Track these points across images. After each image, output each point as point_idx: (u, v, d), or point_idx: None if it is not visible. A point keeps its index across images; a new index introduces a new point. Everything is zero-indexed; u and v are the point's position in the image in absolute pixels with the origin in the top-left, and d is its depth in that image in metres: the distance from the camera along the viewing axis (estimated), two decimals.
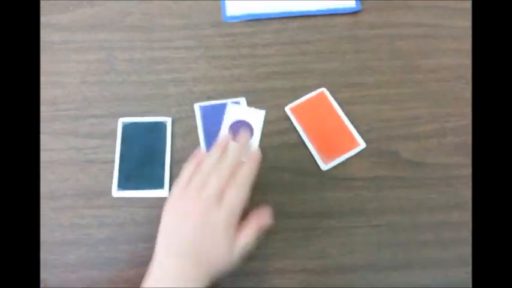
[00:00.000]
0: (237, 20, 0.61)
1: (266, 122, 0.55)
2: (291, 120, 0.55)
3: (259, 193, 0.51)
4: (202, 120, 0.54)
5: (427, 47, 0.60)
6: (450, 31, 0.61)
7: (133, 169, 0.51)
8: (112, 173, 0.52)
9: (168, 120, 0.54)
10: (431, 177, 0.53)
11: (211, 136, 0.53)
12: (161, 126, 0.54)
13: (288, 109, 0.56)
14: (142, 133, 0.53)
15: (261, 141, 0.54)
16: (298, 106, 0.56)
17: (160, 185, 0.51)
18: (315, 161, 0.53)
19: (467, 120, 0.55)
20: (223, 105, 0.55)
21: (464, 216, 0.51)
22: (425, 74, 0.58)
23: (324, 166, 0.53)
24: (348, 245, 0.50)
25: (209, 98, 0.56)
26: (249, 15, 0.61)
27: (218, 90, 0.57)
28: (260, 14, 0.61)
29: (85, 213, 0.51)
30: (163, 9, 0.61)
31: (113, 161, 0.52)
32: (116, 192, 0.50)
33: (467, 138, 0.54)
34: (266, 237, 0.49)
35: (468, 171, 0.53)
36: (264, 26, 0.60)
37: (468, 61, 0.59)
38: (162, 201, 0.49)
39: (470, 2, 0.60)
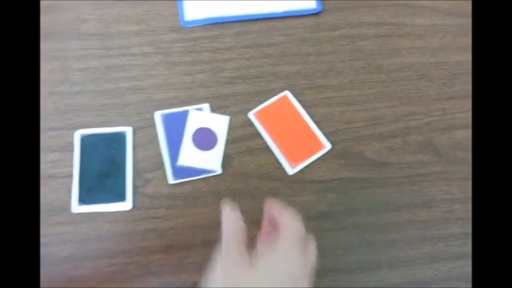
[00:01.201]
0: (196, 25, 0.62)
1: (230, 128, 0.57)
2: (255, 125, 0.57)
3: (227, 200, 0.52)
4: (164, 128, 0.55)
5: (389, 46, 0.63)
6: (413, 29, 0.64)
7: (94, 182, 0.52)
8: (70, 186, 0.53)
9: (128, 130, 0.55)
10: (396, 176, 0.56)
11: (173, 145, 0.55)
12: (121, 136, 0.55)
13: (252, 114, 0.57)
14: (102, 144, 0.54)
15: (226, 147, 0.56)
16: (262, 110, 0.58)
17: (122, 198, 0.52)
18: (281, 165, 0.55)
19: (430, 118, 0.59)
20: (185, 113, 0.56)
21: (430, 215, 0.54)
22: (388, 74, 0.61)
23: (291, 170, 0.55)
24: (317, 249, 0.52)
25: (171, 106, 0.58)
26: (208, 19, 0.62)
27: (180, 97, 0.58)
28: (220, 18, 0.63)
29: (44, 232, 0.51)
30: (119, 16, 0.62)
31: (70, 175, 0.53)
32: (77, 207, 0.51)
33: (431, 136, 0.58)
34: None
35: (432, 168, 0.56)
36: (224, 30, 0.62)
37: (432, 59, 0.62)
38: (124, 214, 0.50)
39: (431, 0, 0.64)
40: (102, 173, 0.53)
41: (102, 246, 0.51)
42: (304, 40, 0.63)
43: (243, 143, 0.56)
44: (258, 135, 0.57)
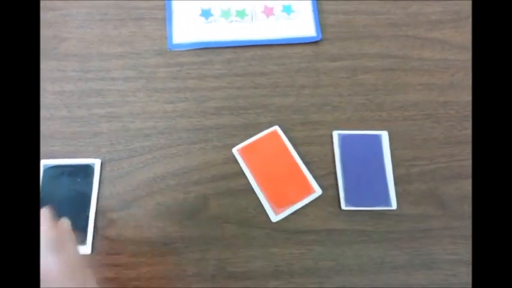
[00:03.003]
0: (185, 49, 0.54)
1: (210, 165, 0.48)
2: (239, 163, 0.48)
3: (197, 249, 0.44)
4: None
5: (393, 82, 0.54)
6: (421, 63, 0.56)
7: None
8: None
9: (96, 163, 0.47)
10: (394, 230, 0.46)
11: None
12: (88, 169, 0.46)
13: (235, 150, 0.49)
14: (66, 177, 0.46)
15: (204, 186, 0.47)
16: (247, 146, 0.49)
17: (82, 240, 0.43)
18: (264, 210, 0.47)
19: (435, 165, 0.49)
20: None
21: (430, 278, 0.44)
22: (390, 112, 0.52)
23: (275, 217, 0.46)
24: None
25: (146, 136, 0.49)
26: (197, 43, 0.55)
27: (158, 127, 0.50)
28: (210, 42, 0.55)
29: None
30: (102, 36, 0.55)
31: None
32: None
33: (436, 186, 0.48)
34: None
35: (436, 223, 0.47)
36: (214, 56, 0.54)
37: (440, 97, 0.53)
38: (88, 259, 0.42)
39: (443, 32, 0.55)
40: (63, 211, 0.44)
41: None
42: (300, 70, 0.54)
43: (223, 183, 0.48)
44: (241, 174, 0.48)
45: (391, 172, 0.49)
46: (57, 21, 0.55)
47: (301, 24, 0.57)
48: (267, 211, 0.47)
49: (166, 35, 0.55)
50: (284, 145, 0.50)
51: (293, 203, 0.47)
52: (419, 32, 0.57)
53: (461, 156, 0.50)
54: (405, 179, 0.49)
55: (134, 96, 0.52)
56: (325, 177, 0.49)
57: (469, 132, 0.52)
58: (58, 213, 0.42)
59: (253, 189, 0.48)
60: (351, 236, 0.46)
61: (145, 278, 0.44)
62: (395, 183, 0.48)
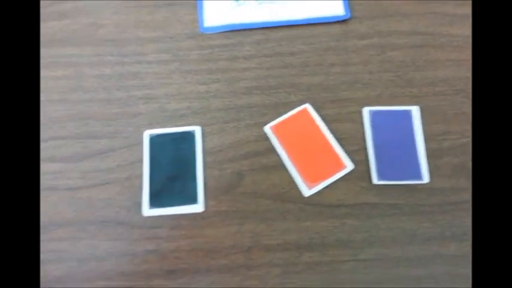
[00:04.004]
0: (216, 32, 0.54)
1: (243, 143, 0.48)
2: (271, 140, 0.48)
3: (235, 222, 0.44)
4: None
5: (422, 58, 0.53)
6: (449, 40, 0.54)
7: (164, 185, 0.46)
8: (72, 199, 0.46)
9: (196, 129, 0.49)
10: (425, 203, 0.46)
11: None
12: (189, 135, 0.49)
13: (268, 128, 0.49)
14: (170, 143, 0.48)
15: (239, 163, 0.47)
16: (279, 124, 0.49)
17: (194, 199, 0.46)
18: (296, 185, 0.46)
19: (466, 139, 0.48)
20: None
21: (462, 249, 0.43)
22: (420, 88, 0.51)
23: (307, 191, 0.46)
24: (333, 282, 0.43)
25: (182, 116, 0.50)
26: (228, 25, 0.54)
27: (192, 108, 0.50)
28: (240, 25, 0.54)
29: (42, 248, 0.44)
30: (137, 21, 0.55)
31: (73, 188, 0.46)
32: (147, 211, 0.45)
33: (467, 160, 0.47)
34: (239, 273, 0.42)
35: (467, 196, 0.46)
36: (244, 38, 0.54)
37: (469, 73, 0.51)
38: (125, 233, 0.43)
39: (471, 7, 0.53)
40: (171, 172, 0.46)
41: (100, 267, 0.44)
42: (329, 49, 0.53)
43: (257, 159, 0.48)
44: (273, 151, 0.48)
45: (423, 146, 0.48)
46: (94, 9, 0.56)
47: (330, 3, 0.56)
48: (300, 186, 0.47)
49: (197, 19, 0.55)
50: (315, 122, 0.50)
51: (325, 178, 0.47)
52: (448, 8, 0.56)
53: None
54: (436, 153, 0.48)
55: (169, 78, 0.52)
56: (356, 153, 0.48)
57: None
58: (168, 174, 0.45)
59: (285, 165, 0.48)
60: (383, 210, 0.46)
61: (185, 250, 0.44)
62: (427, 157, 0.47)
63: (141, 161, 0.48)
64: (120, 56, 0.53)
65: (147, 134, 0.49)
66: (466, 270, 0.43)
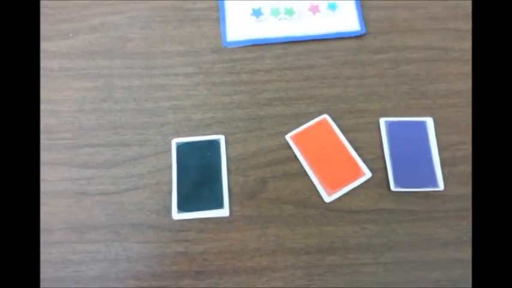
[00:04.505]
0: (238, 46, 0.57)
1: (266, 151, 0.51)
2: (292, 149, 0.51)
3: (258, 227, 0.47)
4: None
5: (436, 71, 0.55)
6: (461, 54, 0.57)
7: (191, 191, 0.49)
8: (105, 204, 0.48)
9: (221, 138, 0.52)
10: (442, 209, 0.48)
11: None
12: (215, 143, 0.51)
13: (288, 137, 0.51)
14: (197, 151, 0.51)
15: (262, 170, 0.50)
16: (299, 134, 0.52)
17: (220, 204, 0.48)
18: (317, 192, 0.49)
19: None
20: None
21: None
22: (434, 100, 0.53)
23: (328, 198, 0.48)
24: (354, 284, 0.45)
25: (207, 126, 0.52)
26: (249, 40, 0.57)
27: (217, 118, 0.53)
28: (261, 39, 0.57)
29: (77, 249, 0.47)
30: (164, 36, 0.58)
31: (106, 193, 0.49)
32: (176, 215, 0.48)
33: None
34: (264, 275, 0.44)
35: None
36: (265, 52, 0.57)
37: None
38: (155, 236, 0.45)
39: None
40: (199, 179, 0.49)
41: (132, 268, 0.46)
42: (346, 63, 0.56)
43: (279, 167, 0.50)
44: (294, 159, 0.51)
45: (437, 155, 0.50)
46: (122, 23, 0.59)
47: (346, 19, 0.59)
48: (320, 192, 0.49)
49: (220, 34, 0.58)
50: (333, 132, 0.52)
51: (344, 185, 0.49)
52: (459, 24, 0.59)
53: None
54: (451, 161, 0.50)
55: (195, 90, 0.55)
56: (374, 161, 0.50)
57: None
58: (195, 180, 0.48)
59: (306, 172, 0.50)
60: (400, 215, 0.48)
61: (212, 252, 0.47)
62: (442, 166, 0.50)
63: (169, 167, 0.50)
64: (148, 68, 0.56)
65: (174, 142, 0.51)
66: None
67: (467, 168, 0.50)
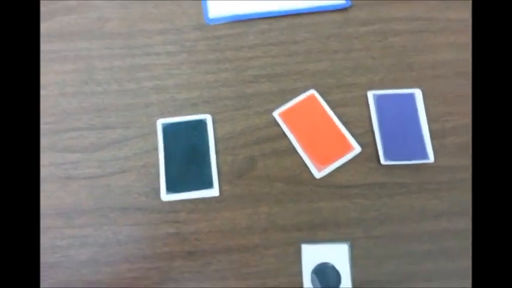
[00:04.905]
0: (221, 22, 0.56)
1: (254, 129, 0.51)
2: (280, 126, 0.50)
3: (249, 205, 0.47)
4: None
5: (422, 43, 0.55)
6: (447, 24, 0.56)
7: (180, 171, 0.49)
8: (92, 188, 0.48)
9: (207, 118, 0.51)
10: (432, 181, 0.48)
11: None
12: (201, 123, 0.51)
13: (276, 114, 0.51)
14: (183, 132, 0.50)
15: (250, 149, 0.50)
16: (287, 110, 0.52)
17: (210, 184, 0.48)
18: (307, 168, 0.49)
19: (468, 119, 0.51)
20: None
21: (469, 223, 0.46)
22: (421, 71, 0.53)
23: (318, 174, 0.49)
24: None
25: (193, 105, 0.52)
26: (232, 16, 0.56)
27: (203, 97, 0.52)
28: (244, 15, 0.56)
29: (66, 234, 0.46)
30: (143, 14, 0.57)
31: (92, 177, 0.48)
32: (165, 196, 0.47)
33: (470, 139, 0.50)
34: (257, 252, 0.45)
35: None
36: (248, 27, 0.56)
37: (468, 55, 0.54)
38: (145, 218, 0.45)
39: None
40: (186, 160, 0.48)
41: (122, 251, 0.46)
42: (332, 36, 0.56)
43: (268, 145, 0.50)
44: (283, 136, 0.50)
45: (427, 127, 0.51)
46: (100, 4, 0.58)
47: None
48: (310, 169, 0.49)
49: (202, 11, 0.57)
50: (322, 107, 0.52)
51: (334, 160, 0.49)
52: None
53: None
54: (440, 133, 0.50)
55: (178, 69, 0.54)
56: (363, 136, 0.51)
57: None
58: (183, 161, 0.48)
59: (295, 149, 0.50)
60: (391, 189, 0.48)
61: (204, 232, 0.47)
62: (431, 138, 0.50)
63: (155, 149, 0.50)
64: (128, 48, 0.55)
65: (160, 123, 0.51)
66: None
67: (456, 139, 0.50)
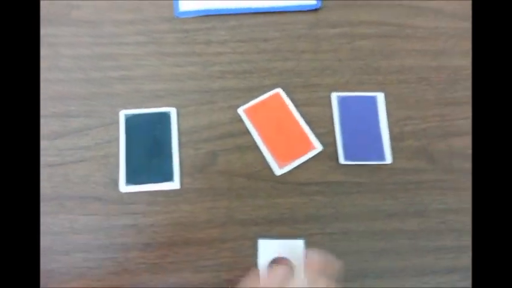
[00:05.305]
0: (191, 16, 0.58)
1: (218, 124, 0.52)
2: (244, 122, 0.52)
3: (209, 199, 0.48)
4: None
5: (389, 48, 0.58)
6: (414, 31, 0.59)
7: (141, 163, 0.50)
8: (50, 176, 0.48)
9: (172, 111, 0.52)
10: (388, 182, 0.51)
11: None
12: (165, 116, 0.52)
13: (241, 110, 0.53)
14: (146, 124, 0.51)
15: (213, 143, 0.51)
16: (252, 107, 0.53)
17: (170, 178, 0.49)
18: (269, 165, 0.51)
19: (427, 124, 0.54)
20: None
21: (422, 224, 0.49)
22: (386, 76, 0.56)
23: (279, 170, 0.50)
24: None
25: (158, 97, 0.53)
26: (203, 10, 0.58)
27: (169, 89, 0.53)
28: (215, 10, 0.58)
29: None
30: (112, 3, 0.58)
31: (51, 165, 0.49)
32: (124, 187, 0.49)
33: (427, 142, 0.53)
34: (214, 246, 0.46)
35: (427, 176, 0.51)
36: (219, 23, 0.57)
37: (432, 62, 0.57)
38: (102, 209, 0.46)
39: (436, 1, 0.59)
40: (147, 153, 0.50)
41: (78, 240, 0.47)
42: (301, 37, 0.58)
43: (231, 140, 0.52)
44: (246, 132, 0.52)
45: (386, 130, 0.53)
46: None
47: None
48: (271, 166, 0.51)
49: (172, 3, 0.58)
50: (286, 106, 0.54)
51: (295, 158, 0.51)
52: (413, 2, 0.61)
53: (451, 116, 0.54)
54: (399, 136, 0.53)
55: (146, 60, 0.55)
56: (325, 135, 0.53)
57: (459, 94, 0.56)
58: (144, 153, 0.49)
59: (258, 146, 0.52)
60: (348, 188, 0.51)
61: (162, 224, 0.48)
62: (390, 140, 0.53)
63: (117, 139, 0.51)
64: (96, 37, 0.56)
65: (123, 114, 0.52)
66: (426, 243, 0.48)
67: (414, 142, 0.53)
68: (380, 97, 0.55)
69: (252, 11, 0.58)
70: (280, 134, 0.52)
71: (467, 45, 0.58)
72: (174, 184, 0.49)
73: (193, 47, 0.56)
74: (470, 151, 0.52)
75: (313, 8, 0.59)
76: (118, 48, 0.55)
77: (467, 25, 0.59)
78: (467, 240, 0.49)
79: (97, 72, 0.54)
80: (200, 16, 0.58)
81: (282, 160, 0.51)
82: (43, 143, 0.50)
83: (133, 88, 0.53)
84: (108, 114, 0.52)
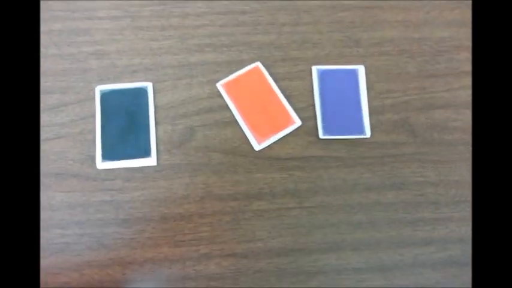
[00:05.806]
0: None
1: (196, 99, 0.53)
2: (223, 97, 0.53)
3: (187, 175, 0.49)
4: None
5: (371, 19, 0.58)
6: (397, 2, 0.60)
7: (117, 139, 0.51)
8: None
9: (148, 85, 0.53)
10: (367, 156, 0.52)
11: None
12: (142, 91, 0.53)
13: (220, 85, 0.54)
14: (122, 99, 0.52)
15: (191, 119, 0.52)
16: (231, 82, 0.54)
17: (147, 153, 0.50)
18: (248, 140, 0.52)
19: (408, 97, 0.55)
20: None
21: (399, 197, 0.50)
22: (367, 48, 0.57)
23: (257, 146, 0.52)
24: (279, 227, 0.49)
25: (134, 72, 0.53)
26: None
27: (144, 64, 0.54)
28: None
29: None
30: None
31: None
32: (101, 164, 0.50)
33: (407, 116, 0.54)
34: (192, 221, 0.48)
35: (406, 149, 0.52)
36: None
37: (415, 34, 0.58)
38: (79, 185, 0.47)
39: None
40: (124, 129, 0.50)
41: (55, 216, 0.48)
42: (281, 9, 0.58)
43: (209, 115, 0.53)
44: (225, 107, 0.53)
45: (366, 103, 0.54)
46: None
47: None
48: (250, 141, 0.52)
49: None
50: (266, 80, 0.55)
51: (274, 133, 0.53)
52: None
53: (432, 89, 0.55)
54: (379, 109, 0.54)
55: (121, 35, 0.55)
56: (305, 110, 0.54)
57: (441, 66, 0.57)
58: (120, 129, 0.50)
59: (237, 121, 0.53)
60: (327, 162, 0.52)
61: (139, 200, 0.49)
62: (370, 114, 0.54)
63: (93, 116, 0.52)
64: (70, 11, 0.56)
65: (98, 90, 0.52)
66: (403, 216, 0.50)
67: (393, 116, 0.54)
68: (361, 70, 0.56)
69: None
70: (259, 109, 0.53)
71: (450, 16, 0.59)
72: (151, 160, 0.50)
73: (170, 20, 0.56)
74: (451, 123, 0.54)
75: None
76: (92, 22, 0.56)
77: None
78: (445, 213, 0.51)
79: (71, 48, 0.54)
80: None
81: (261, 135, 0.52)
82: None
83: (109, 63, 0.54)
84: (83, 90, 0.52)
